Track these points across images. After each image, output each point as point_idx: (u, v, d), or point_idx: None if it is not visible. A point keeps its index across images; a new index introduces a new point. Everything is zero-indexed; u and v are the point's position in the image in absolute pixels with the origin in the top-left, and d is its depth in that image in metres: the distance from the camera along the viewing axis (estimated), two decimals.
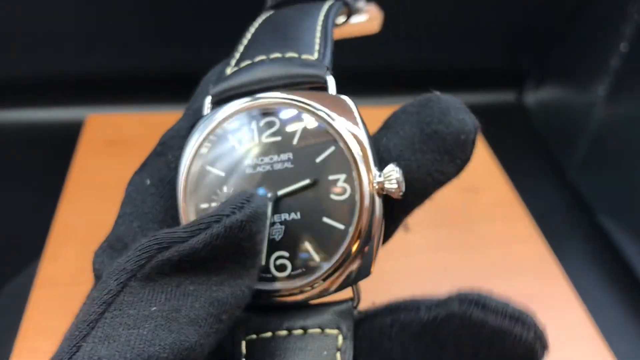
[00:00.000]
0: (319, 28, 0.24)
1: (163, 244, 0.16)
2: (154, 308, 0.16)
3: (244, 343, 0.21)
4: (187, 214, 0.21)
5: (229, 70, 0.23)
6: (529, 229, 0.43)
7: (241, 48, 0.24)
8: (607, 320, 0.50)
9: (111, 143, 0.47)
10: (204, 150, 0.21)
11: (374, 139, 0.22)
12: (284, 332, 0.20)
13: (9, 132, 0.60)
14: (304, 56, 0.22)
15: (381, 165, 0.21)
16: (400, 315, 0.20)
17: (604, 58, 0.56)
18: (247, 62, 0.23)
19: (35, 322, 0.35)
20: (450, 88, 0.68)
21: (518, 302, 0.18)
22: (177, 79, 0.62)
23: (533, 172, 0.63)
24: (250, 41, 0.24)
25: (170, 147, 0.22)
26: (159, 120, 0.49)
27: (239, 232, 0.17)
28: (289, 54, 0.22)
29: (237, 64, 0.23)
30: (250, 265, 0.18)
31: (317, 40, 0.23)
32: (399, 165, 0.21)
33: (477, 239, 0.40)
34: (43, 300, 0.36)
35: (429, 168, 0.21)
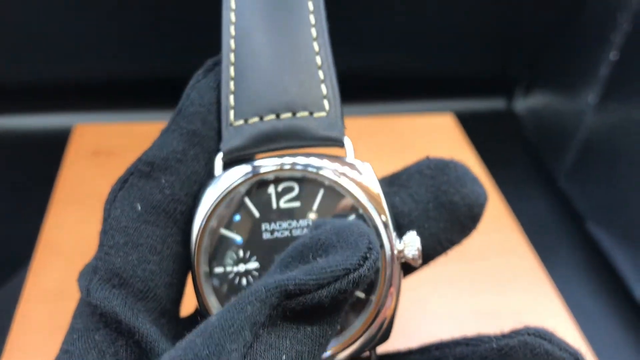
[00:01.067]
0: (318, 61, 0.22)
1: (289, 291, 0.16)
2: (284, 357, 0.16)
3: None
4: (201, 277, 0.20)
5: (233, 120, 0.21)
6: (520, 241, 0.43)
7: (231, 87, 0.22)
8: (596, 330, 0.50)
9: (97, 153, 0.46)
10: (219, 212, 0.21)
11: (386, 194, 0.22)
12: None
13: None
14: (316, 114, 0.22)
15: (397, 229, 0.21)
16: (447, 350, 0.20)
17: (593, 66, 0.56)
18: (255, 119, 0.21)
19: (21, 338, 0.34)
20: (440, 95, 0.68)
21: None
22: (162, 84, 0.61)
23: (523, 180, 0.63)
24: (242, 81, 0.22)
25: (162, 171, 0.21)
26: (145, 130, 0.49)
27: (358, 286, 0.17)
28: (300, 113, 0.21)
29: (240, 113, 0.22)
30: (342, 311, 0.18)
31: (323, 88, 0.22)
32: (418, 233, 0.21)
33: (468, 251, 0.40)
34: (29, 316, 0.36)
35: (439, 236, 0.21)
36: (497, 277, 0.41)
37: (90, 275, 0.20)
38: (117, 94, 0.62)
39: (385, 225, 0.20)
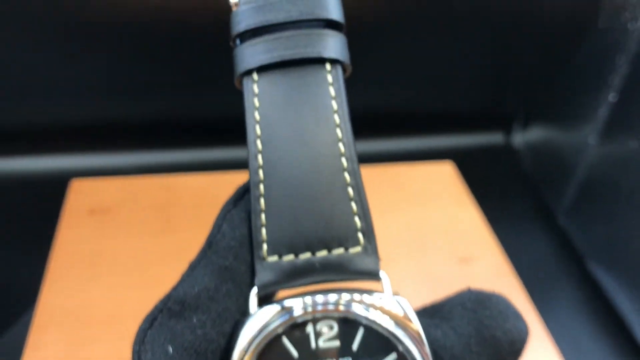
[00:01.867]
0: (350, 193, 0.22)
1: None
2: None
3: None
4: None
5: (266, 256, 0.21)
6: (523, 302, 0.43)
7: (262, 220, 0.22)
8: None
9: (94, 211, 0.46)
10: (256, 352, 0.20)
11: (428, 325, 0.22)
12: None
13: None
14: (352, 250, 0.21)
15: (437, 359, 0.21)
16: None
17: (592, 106, 0.56)
18: (290, 256, 0.21)
19: None
20: (439, 130, 0.68)
21: None
22: (157, 127, 0.61)
23: (522, 216, 0.62)
24: (274, 213, 0.22)
25: (194, 310, 0.20)
26: (140, 184, 0.48)
27: None
28: (336, 250, 0.21)
29: (274, 249, 0.21)
30: None
31: (357, 220, 0.22)
32: None
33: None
34: None
35: None
36: None
37: None
38: (114, 137, 0.62)
39: None
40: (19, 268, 0.49)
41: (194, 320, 0.20)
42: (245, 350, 0.20)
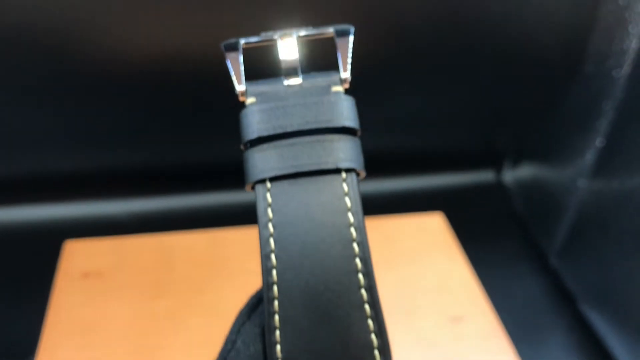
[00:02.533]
0: (367, 310, 0.22)
1: None
2: None
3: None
4: None
5: None
6: (503, 345, 0.43)
7: (276, 336, 0.22)
8: None
9: (87, 275, 0.46)
10: None
11: None
12: None
13: None
14: None
15: None
16: None
17: (580, 150, 0.56)
18: None
19: None
20: (429, 169, 0.68)
21: None
22: (149, 176, 0.61)
23: (513, 256, 0.63)
24: (289, 329, 0.22)
25: None
26: (133, 245, 0.49)
27: None
28: None
29: None
30: None
31: (373, 338, 0.22)
32: None
33: (442, 340, 0.41)
34: None
35: None
36: None
37: None
38: (107, 186, 0.62)
39: None
40: (12, 326, 0.50)
41: None
42: None
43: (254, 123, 0.23)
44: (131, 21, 0.50)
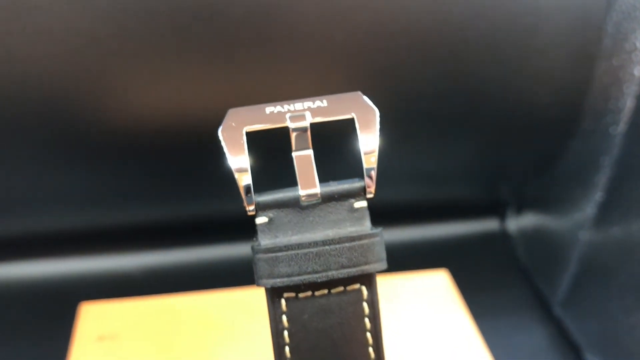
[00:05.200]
0: None
1: None
2: None
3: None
4: None
5: None
6: None
7: None
8: None
9: (103, 338, 0.47)
10: None
11: None
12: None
13: None
14: None
15: None
16: None
17: (580, 202, 0.58)
18: None
19: None
20: (433, 219, 0.69)
21: None
22: (165, 231, 0.63)
23: (517, 306, 0.64)
24: None
25: None
26: (146, 308, 0.50)
27: None
28: None
29: None
30: None
31: None
32: None
33: None
34: None
35: None
36: None
37: None
38: (117, 241, 0.64)
39: None
40: None
41: None
42: None
43: (267, 269, 0.22)
44: (142, 84, 0.51)
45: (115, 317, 0.49)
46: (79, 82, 0.50)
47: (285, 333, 0.22)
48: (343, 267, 0.22)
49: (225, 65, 0.51)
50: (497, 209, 0.71)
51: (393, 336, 0.48)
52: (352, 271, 0.22)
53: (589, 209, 0.57)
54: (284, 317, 0.22)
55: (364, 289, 0.23)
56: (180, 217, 0.64)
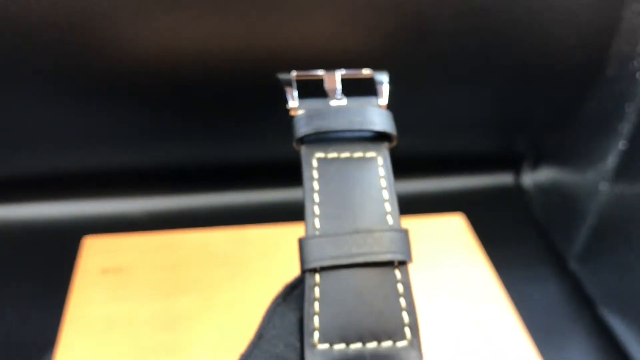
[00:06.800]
0: (400, 289, 0.24)
1: None
2: None
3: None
4: None
5: (316, 343, 0.22)
6: (525, 346, 0.43)
7: (316, 308, 0.23)
8: None
9: (106, 271, 0.46)
10: None
11: None
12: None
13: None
14: (399, 344, 0.23)
15: None
16: None
17: (602, 153, 0.56)
18: (341, 345, 0.22)
19: None
20: (448, 172, 0.68)
21: None
22: (170, 174, 0.61)
23: (532, 261, 0.62)
24: (325, 302, 0.23)
25: None
26: (153, 243, 0.49)
27: None
28: (385, 344, 0.22)
29: (326, 338, 0.22)
30: None
31: (405, 316, 0.23)
32: None
33: (465, 344, 0.40)
34: None
35: None
36: None
37: None
38: (126, 185, 0.62)
39: None
40: (29, 324, 0.50)
41: None
42: None
43: (303, 125, 0.27)
44: (150, 19, 0.50)
45: (119, 251, 0.48)
46: (91, 17, 0.48)
47: (315, 186, 0.25)
48: (362, 123, 0.27)
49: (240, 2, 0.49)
50: (512, 163, 0.69)
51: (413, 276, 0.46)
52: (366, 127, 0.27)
53: (610, 159, 0.55)
54: (315, 173, 0.26)
55: (379, 158, 0.27)
56: (189, 161, 0.63)
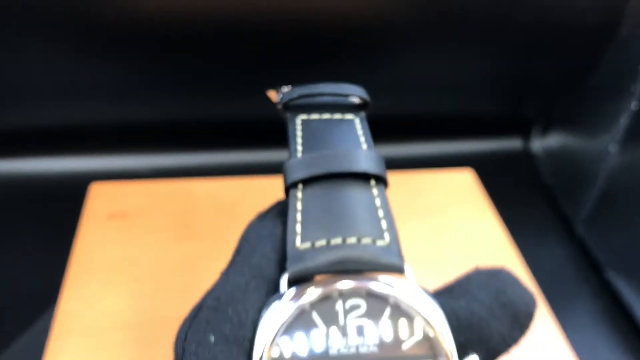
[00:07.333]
0: (378, 202, 0.24)
1: None
2: None
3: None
4: None
5: (299, 245, 0.23)
6: (544, 315, 0.42)
7: (299, 217, 0.24)
8: None
9: (113, 216, 0.46)
10: (285, 324, 0.21)
11: (447, 300, 0.23)
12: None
13: (5, 183, 0.59)
14: (378, 242, 0.23)
15: (466, 327, 0.23)
16: None
17: (613, 114, 0.55)
18: (322, 241, 0.23)
19: None
20: (456, 135, 0.68)
21: None
22: (177, 130, 0.61)
23: (539, 225, 0.62)
24: (307, 208, 0.24)
25: (228, 302, 0.22)
26: (160, 189, 0.48)
27: None
28: (364, 240, 0.23)
29: (307, 238, 0.23)
30: None
31: (383, 224, 0.23)
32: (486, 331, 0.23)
33: None
34: None
35: (505, 335, 0.23)
36: (519, 349, 0.40)
37: None
38: (133, 140, 0.62)
39: (449, 345, 0.21)
40: (36, 271, 0.50)
41: (230, 311, 0.22)
42: (273, 323, 0.21)
43: (287, 94, 0.29)
44: None
45: (126, 197, 0.48)
46: None
47: (299, 133, 0.27)
48: (340, 88, 0.29)
49: None
50: (521, 129, 0.69)
51: (419, 230, 0.46)
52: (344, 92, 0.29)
53: (622, 120, 0.54)
54: (299, 127, 0.28)
55: (357, 120, 0.28)
56: (195, 116, 0.62)
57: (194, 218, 0.46)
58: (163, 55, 0.56)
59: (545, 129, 0.67)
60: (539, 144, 0.68)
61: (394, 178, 0.52)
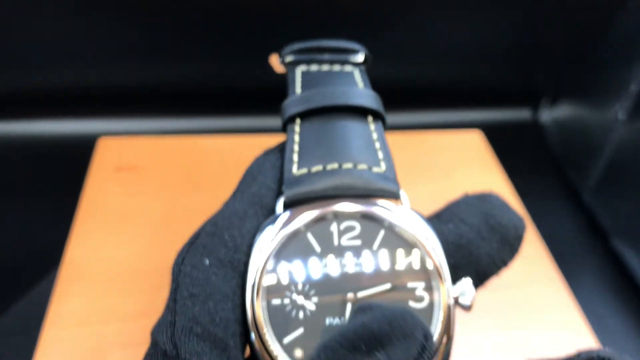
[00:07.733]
0: (374, 136, 0.25)
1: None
2: None
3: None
4: (256, 308, 0.21)
5: (296, 171, 0.23)
6: (549, 270, 0.42)
7: (296, 147, 0.24)
8: (620, 349, 0.50)
9: (120, 169, 0.46)
10: (280, 245, 0.21)
11: (437, 224, 0.23)
12: None
13: (16, 144, 0.60)
14: (374, 169, 0.23)
15: (454, 250, 0.23)
16: None
17: (622, 82, 0.55)
18: (318, 167, 0.23)
19: None
20: (465, 104, 0.67)
21: None
22: (187, 94, 0.61)
23: (547, 193, 0.62)
24: (304, 138, 0.24)
25: (225, 228, 0.22)
26: (167, 144, 0.48)
27: None
28: (361, 166, 0.23)
29: (304, 164, 0.23)
30: None
31: (380, 154, 0.24)
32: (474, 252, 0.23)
33: (496, 281, 0.40)
34: (52, 343, 0.35)
35: (494, 256, 0.23)
36: (526, 307, 0.40)
37: (170, 329, 0.20)
38: (143, 101, 0.62)
39: (442, 268, 0.21)
40: (46, 226, 0.50)
41: (226, 236, 0.22)
42: (266, 246, 0.21)
43: (288, 49, 0.29)
44: None
45: (134, 151, 0.48)
46: None
47: (298, 80, 0.27)
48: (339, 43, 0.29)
49: None
50: (531, 99, 0.68)
51: (426, 188, 0.46)
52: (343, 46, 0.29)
53: (633, 87, 0.54)
54: (298, 77, 0.28)
55: (356, 72, 0.28)
56: (204, 82, 0.62)
57: (200, 172, 0.46)
58: (172, 18, 0.56)
59: (555, 100, 0.67)
60: (548, 114, 0.68)
61: (403, 138, 0.52)
